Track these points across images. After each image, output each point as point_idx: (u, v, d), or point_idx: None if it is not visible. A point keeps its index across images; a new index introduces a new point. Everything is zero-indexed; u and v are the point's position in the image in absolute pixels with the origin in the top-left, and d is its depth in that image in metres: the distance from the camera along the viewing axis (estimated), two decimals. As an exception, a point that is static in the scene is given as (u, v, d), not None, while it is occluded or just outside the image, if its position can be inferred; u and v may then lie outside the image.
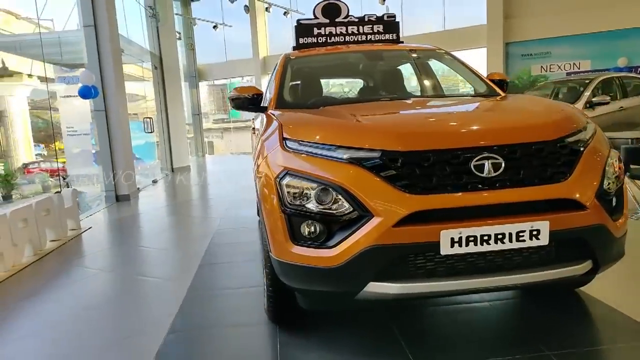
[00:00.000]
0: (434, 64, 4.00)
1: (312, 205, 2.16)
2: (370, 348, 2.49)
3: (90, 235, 5.56)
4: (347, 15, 4.63)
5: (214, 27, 17.27)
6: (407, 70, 3.96)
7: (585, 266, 2.24)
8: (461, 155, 2.11)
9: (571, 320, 2.69)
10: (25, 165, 20.74)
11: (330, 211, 2.13)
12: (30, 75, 18.46)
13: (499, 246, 2.07)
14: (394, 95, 3.53)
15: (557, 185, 2.13)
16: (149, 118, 9.68)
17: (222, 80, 24.22)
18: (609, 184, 2.29)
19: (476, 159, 2.10)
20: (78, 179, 9.26)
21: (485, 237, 2.06)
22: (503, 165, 2.11)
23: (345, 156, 2.18)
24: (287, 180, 2.25)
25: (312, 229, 2.18)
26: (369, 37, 4.65)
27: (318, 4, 4.58)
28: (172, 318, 2.95)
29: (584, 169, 2.21)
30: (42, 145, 24.90)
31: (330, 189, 2.13)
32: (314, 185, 2.16)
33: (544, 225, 2.08)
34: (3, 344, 2.86)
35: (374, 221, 2.05)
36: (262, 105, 3.38)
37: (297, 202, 2.20)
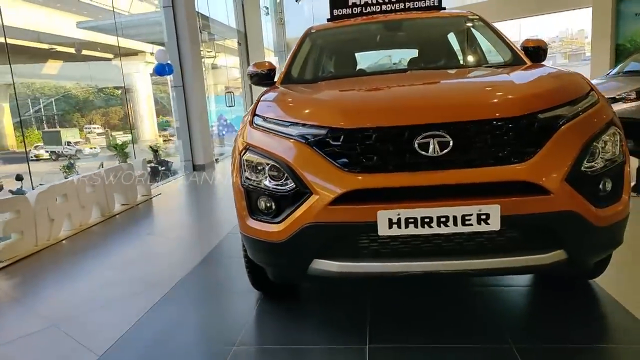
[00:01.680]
0: (468, 31, 3.70)
1: (265, 181, 2.21)
2: (336, 322, 2.51)
3: (157, 201, 6.13)
4: (385, -17, 4.45)
5: (296, 0, 17.31)
6: (432, 38, 3.71)
7: (553, 256, 2.02)
8: (405, 133, 2.00)
9: (560, 313, 2.45)
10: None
11: (278, 187, 2.15)
12: (152, 54, 20.37)
13: (443, 230, 1.95)
14: (402, 67, 3.37)
15: (513, 166, 1.94)
16: (230, 92, 10.20)
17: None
18: (592, 165, 2.02)
19: (420, 137, 1.97)
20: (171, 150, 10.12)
21: (427, 220, 1.95)
22: (451, 144, 1.96)
23: (294, 133, 2.18)
24: (247, 155, 2.30)
25: (266, 204, 2.23)
26: (407, 4, 4.45)
27: (353, -27, 4.46)
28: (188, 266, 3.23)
29: (555, 149, 1.97)
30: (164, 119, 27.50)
31: (279, 166, 2.15)
32: (268, 161, 2.20)
33: (494, 210, 1.91)
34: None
35: (312, 199, 2.04)
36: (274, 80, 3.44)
37: (254, 178, 2.25)
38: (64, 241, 4.49)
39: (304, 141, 2.13)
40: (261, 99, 2.63)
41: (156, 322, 2.64)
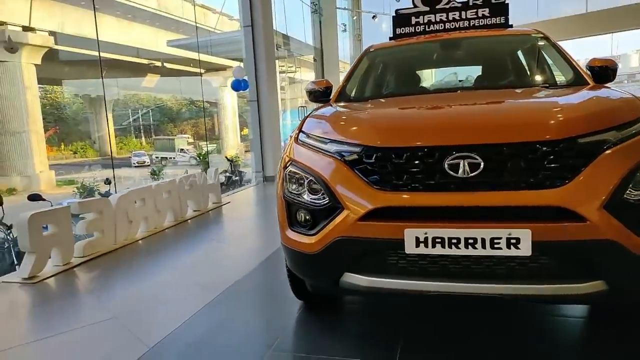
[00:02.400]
0: (530, 50, 3.60)
1: (304, 194, 2.32)
2: (370, 337, 2.55)
3: (226, 209, 6.48)
4: (449, 1, 4.44)
5: (373, 17, 17.43)
6: (491, 57, 3.64)
7: (591, 286, 1.93)
8: (436, 153, 2.02)
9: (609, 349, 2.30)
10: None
11: (314, 201, 2.25)
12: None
13: (471, 251, 1.94)
14: (458, 87, 3.34)
15: (546, 191, 1.89)
16: (304, 107, 10.52)
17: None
18: (636, 194, 1.91)
19: (450, 158, 1.99)
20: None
21: (454, 241, 1.95)
22: (482, 166, 1.95)
23: (332, 149, 2.28)
24: (289, 169, 2.44)
25: (304, 217, 2.34)
26: (472, 22, 4.39)
27: (417, -8, 4.49)
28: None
29: (594, 175, 1.90)
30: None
31: (316, 181, 2.25)
32: (307, 175, 2.31)
33: (524, 234, 1.88)
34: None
35: (344, 214, 2.12)
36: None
37: (294, 191, 2.37)
38: (140, 241, 4.91)
39: (339, 158, 2.22)
40: (308, 116, 2.76)
41: (203, 322, 2.83)
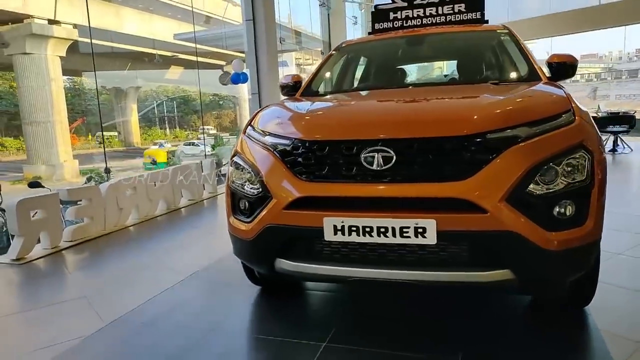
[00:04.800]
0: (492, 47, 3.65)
1: (245, 184, 2.46)
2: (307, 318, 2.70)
3: (221, 199, 6.68)
4: (427, -3, 4.49)
5: None
6: (451, 53, 3.71)
7: (497, 274, 2.03)
8: (354, 147, 2.14)
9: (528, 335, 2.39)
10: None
11: (251, 190, 2.40)
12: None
13: (383, 239, 2.06)
14: (412, 83, 3.42)
15: (450, 183, 2.00)
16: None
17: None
18: (544, 187, 1.99)
19: (366, 151, 2.10)
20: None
21: (368, 229, 2.07)
22: (394, 159, 2.06)
23: (268, 142, 2.42)
24: (234, 160, 2.59)
25: (243, 205, 2.49)
26: (448, 17, 4.45)
27: (395, -13, 4.56)
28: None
29: (497, 169, 1.99)
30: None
31: (252, 171, 2.40)
32: (246, 166, 2.46)
33: (430, 224, 1.99)
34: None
35: (272, 202, 2.26)
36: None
37: (237, 181, 2.52)
38: (130, 227, 5.15)
39: (272, 150, 2.36)
40: (259, 110, 2.89)
41: (160, 303, 3.01)
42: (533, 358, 2.20)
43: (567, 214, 2.04)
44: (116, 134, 37.89)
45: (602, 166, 2.17)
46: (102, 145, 38.07)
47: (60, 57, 22.72)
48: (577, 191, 2.05)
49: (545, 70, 3.13)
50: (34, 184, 5.58)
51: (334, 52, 3.92)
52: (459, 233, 2.00)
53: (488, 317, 2.63)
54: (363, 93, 3.21)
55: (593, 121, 2.38)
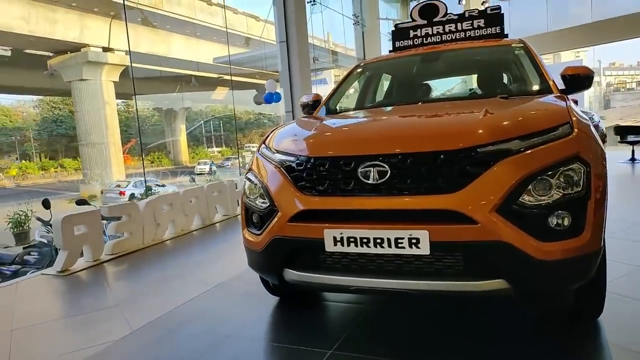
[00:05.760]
0: (506, 61, 3.69)
1: (256, 199, 2.64)
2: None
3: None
4: (446, 14, 4.57)
5: None
6: (467, 69, 3.77)
7: (492, 284, 2.09)
8: (351, 162, 2.26)
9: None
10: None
11: (261, 204, 2.57)
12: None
13: (380, 250, 2.16)
14: (424, 99, 3.49)
15: (442, 196, 2.08)
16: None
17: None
18: (537, 199, 2.04)
19: (362, 166, 2.22)
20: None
21: (365, 240, 2.18)
22: (388, 173, 2.17)
23: (277, 159, 2.58)
24: (247, 177, 2.78)
25: (255, 218, 2.66)
26: (468, 33, 4.50)
27: (414, 6, 4.67)
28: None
29: (488, 181, 2.06)
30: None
31: (262, 187, 2.57)
32: (257, 182, 2.64)
33: (423, 235, 2.08)
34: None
35: (278, 215, 2.41)
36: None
37: (250, 196, 2.70)
38: (167, 242, 5.44)
39: (279, 166, 2.52)
40: (274, 129, 3.07)
41: (185, 312, 3.21)
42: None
43: (563, 224, 2.07)
44: (166, 153, 39.43)
45: (601, 177, 2.18)
46: (153, 164, 39.68)
47: (114, 82, 24.10)
48: (573, 202, 2.08)
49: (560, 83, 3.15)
50: (81, 202, 6.00)
51: (353, 70, 4.07)
52: (451, 243, 2.08)
53: (493, 327, 2.65)
54: (372, 111, 3.33)
55: (595, 133, 2.40)
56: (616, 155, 10.31)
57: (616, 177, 8.19)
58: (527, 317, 2.74)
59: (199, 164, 34.00)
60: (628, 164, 9.33)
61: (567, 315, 2.67)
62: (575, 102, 8.92)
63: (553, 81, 3.13)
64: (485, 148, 2.11)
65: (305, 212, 2.32)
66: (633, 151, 9.42)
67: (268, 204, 2.49)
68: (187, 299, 3.43)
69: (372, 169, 2.20)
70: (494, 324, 2.70)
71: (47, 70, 21.49)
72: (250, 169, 2.79)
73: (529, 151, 2.11)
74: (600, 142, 2.42)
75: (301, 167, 2.41)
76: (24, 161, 36.14)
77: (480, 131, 2.18)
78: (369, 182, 2.20)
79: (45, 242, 6.82)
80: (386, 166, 2.18)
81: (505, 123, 2.26)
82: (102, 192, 22.72)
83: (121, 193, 20.71)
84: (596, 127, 8.23)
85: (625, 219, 4.91)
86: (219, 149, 46.15)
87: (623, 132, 9.49)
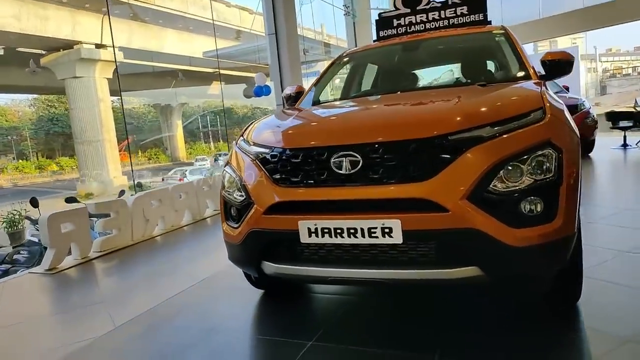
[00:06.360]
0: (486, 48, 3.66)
1: (234, 192, 2.62)
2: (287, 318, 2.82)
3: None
4: (429, 2, 4.55)
5: None
6: (446, 57, 3.75)
7: (465, 271, 2.08)
8: (324, 153, 2.25)
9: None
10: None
11: (238, 198, 2.56)
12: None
13: (354, 240, 2.16)
14: (402, 88, 3.46)
15: (413, 184, 2.07)
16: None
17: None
18: (507, 185, 2.03)
19: (335, 156, 2.21)
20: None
21: (339, 231, 2.17)
22: (360, 163, 2.16)
23: (253, 152, 2.57)
24: (224, 170, 2.77)
25: (233, 211, 2.65)
26: (452, 21, 4.48)
27: (397, -5, 4.64)
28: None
29: (458, 169, 2.05)
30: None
31: (239, 180, 2.56)
32: (234, 176, 2.63)
33: (395, 224, 2.07)
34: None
35: (254, 208, 2.40)
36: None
37: (228, 189, 2.69)
38: (157, 238, 5.44)
39: (255, 159, 2.51)
40: (252, 122, 3.05)
41: (169, 307, 3.21)
42: (509, 352, 2.22)
43: (535, 210, 2.07)
44: (163, 149, 39.31)
45: (574, 163, 2.18)
46: (150, 160, 39.54)
47: (107, 78, 23.99)
48: (545, 188, 2.07)
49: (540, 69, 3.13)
50: (70, 200, 5.99)
51: (335, 61, 4.05)
52: (423, 232, 2.07)
53: (470, 313, 2.65)
54: (351, 101, 3.32)
55: (569, 119, 2.39)
56: (608, 141, 10.30)
57: (608, 162, 8.19)
58: (506, 302, 2.75)
59: (196, 160, 33.94)
60: (620, 150, 9.31)
61: (545, 300, 2.67)
62: (567, 88, 8.95)
63: (533, 68, 3.11)
64: (455, 136, 2.10)
65: (280, 204, 2.31)
66: (625, 137, 9.40)
67: (244, 196, 2.48)
68: (172, 294, 3.43)
69: (344, 159, 2.19)
70: (473, 312, 2.70)
71: (29, 68, 21.35)
72: (227, 162, 2.78)
73: (500, 138, 2.10)
74: (574, 127, 2.41)
75: (275, 159, 2.40)
76: (20, 160, 36.07)
77: (450, 119, 2.17)
78: (341, 172, 2.19)
79: (36, 240, 6.82)
80: (358, 156, 2.17)
81: (476, 110, 2.25)
82: (162, 180, 23.86)
83: (180, 179, 21.95)
84: (587, 113, 8.20)
85: (614, 204, 4.92)
86: (216, 144, 46.03)
87: (615, 118, 9.46)
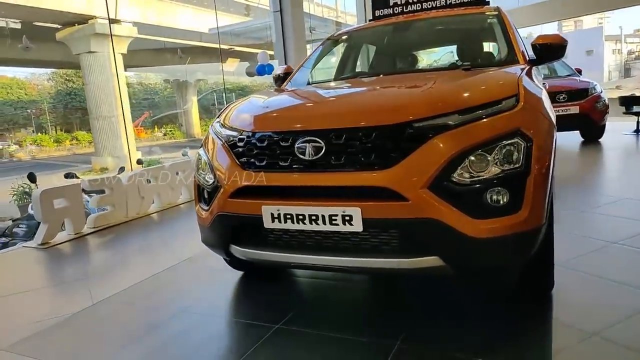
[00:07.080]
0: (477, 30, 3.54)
1: (205, 175, 2.61)
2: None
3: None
4: (426, -20, 4.40)
5: None
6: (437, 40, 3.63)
7: (426, 261, 2.04)
8: (288, 138, 2.21)
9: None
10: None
11: (208, 180, 2.54)
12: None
13: (315, 227, 2.13)
14: (386, 71, 3.37)
15: (373, 172, 2.02)
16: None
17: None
18: (471, 175, 1.97)
19: (299, 142, 2.17)
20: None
21: (300, 217, 2.15)
22: (324, 149, 2.12)
23: (224, 134, 2.54)
24: (198, 153, 2.75)
25: (205, 194, 2.64)
26: (449, 0, 4.33)
27: (395, -27, 4.50)
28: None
29: (420, 157, 1.99)
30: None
31: (209, 163, 2.54)
32: (205, 158, 2.61)
33: (355, 212, 2.04)
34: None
35: (221, 192, 2.39)
36: (285, 84, 3.77)
37: (200, 172, 2.67)
38: (153, 215, 5.49)
39: (225, 142, 2.48)
40: (230, 104, 3.02)
41: (147, 286, 3.24)
42: (459, 341, 2.19)
43: (499, 201, 2.01)
44: (178, 125, 39.50)
45: (547, 152, 2.10)
46: (166, 136, 39.79)
47: (122, 54, 24.00)
48: (510, 178, 2.01)
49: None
50: (69, 175, 6.06)
51: (325, 42, 3.96)
52: (383, 221, 2.03)
53: (440, 301, 2.62)
54: (327, 85, 3.25)
55: (546, 107, 2.30)
56: (620, 127, 10.01)
57: (617, 149, 7.96)
58: (478, 292, 2.70)
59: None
60: (632, 136, 9.04)
61: (515, 291, 2.62)
62: (579, 71, 8.65)
63: (522, 52, 3.00)
64: (419, 123, 2.04)
65: (244, 188, 2.29)
66: (638, 122, 9.11)
67: (213, 179, 2.46)
68: (155, 272, 3.46)
69: (308, 144, 2.15)
70: (443, 300, 2.66)
71: (22, 44, 21.39)
72: (201, 145, 2.76)
73: (467, 126, 2.03)
74: (550, 115, 2.33)
75: (242, 143, 2.37)
76: (39, 134, 36.63)
77: (416, 106, 2.10)
78: (305, 158, 2.16)
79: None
80: (321, 142, 2.12)
81: (444, 97, 2.17)
82: (182, 155, 24.35)
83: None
84: (597, 97, 7.93)
85: (614, 193, 4.79)
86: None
87: (628, 103, 9.15)
